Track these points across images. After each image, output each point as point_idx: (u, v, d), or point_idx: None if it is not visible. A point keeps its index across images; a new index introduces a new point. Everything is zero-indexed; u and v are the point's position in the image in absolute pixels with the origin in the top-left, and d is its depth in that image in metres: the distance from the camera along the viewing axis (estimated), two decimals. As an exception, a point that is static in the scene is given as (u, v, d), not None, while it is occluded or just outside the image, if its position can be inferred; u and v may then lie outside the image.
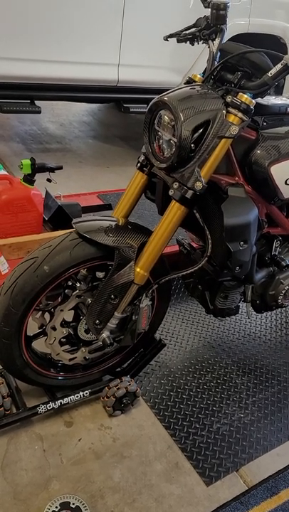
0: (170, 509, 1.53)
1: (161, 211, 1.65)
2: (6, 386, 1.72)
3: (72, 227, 1.58)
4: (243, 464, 1.71)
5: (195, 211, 1.56)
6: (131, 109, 3.60)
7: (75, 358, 1.76)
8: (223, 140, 1.42)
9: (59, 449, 1.65)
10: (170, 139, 1.46)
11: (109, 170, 3.78)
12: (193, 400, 1.92)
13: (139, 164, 1.65)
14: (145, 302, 1.63)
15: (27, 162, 2.40)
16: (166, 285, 1.76)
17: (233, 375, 2.08)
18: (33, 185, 2.43)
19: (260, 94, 1.44)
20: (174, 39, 1.71)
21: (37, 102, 3.31)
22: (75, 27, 3.16)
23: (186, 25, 1.70)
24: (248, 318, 2.43)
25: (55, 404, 1.71)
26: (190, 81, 1.60)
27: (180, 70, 3.65)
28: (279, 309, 2.54)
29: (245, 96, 1.40)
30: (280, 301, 1.90)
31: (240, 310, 1.90)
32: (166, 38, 1.74)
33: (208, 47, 1.61)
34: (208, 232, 1.56)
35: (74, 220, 1.61)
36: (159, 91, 1.54)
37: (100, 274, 1.66)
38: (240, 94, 1.41)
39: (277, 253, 1.85)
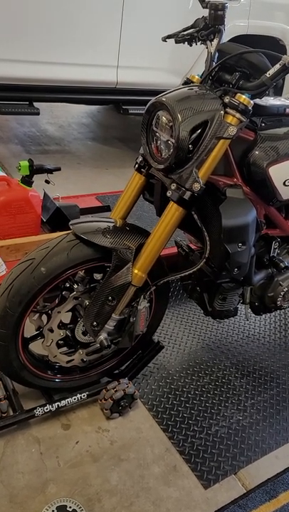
0: (168, 512, 1.52)
1: (159, 212, 1.64)
2: (3, 388, 1.71)
3: (70, 229, 1.58)
4: (241, 466, 1.70)
5: (193, 212, 1.55)
6: (130, 111, 3.60)
7: (73, 360, 1.75)
8: (221, 141, 1.42)
9: (56, 452, 1.64)
10: (168, 140, 1.45)
11: (108, 172, 3.78)
12: (192, 403, 1.91)
13: (137, 165, 1.64)
14: (143, 304, 1.62)
15: (25, 163, 2.40)
16: (165, 287, 1.75)
17: (231, 378, 2.07)
18: (31, 186, 2.43)
19: (258, 94, 1.43)
20: (173, 40, 1.71)
21: (36, 104, 3.31)
22: (74, 29, 3.16)
23: (186, 26, 1.69)
24: (247, 320, 2.43)
25: (52, 407, 1.70)
26: (188, 82, 1.59)
27: (179, 72, 3.65)
28: (278, 311, 2.53)
29: (244, 97, 1.39)
30: (278, 302, 1.90)
31: (238, 312, 1.89)
32: (164, 39, 1.73)
33: (207, 47, 1.61)
34: (206, 234, 1.55)
35: (71, 222, 1.60)
36: (158, 93, 1.53)
37: (97, 276, 1.65)
38: (239, 94, 1.40)
39: (275, 255, 1.84)
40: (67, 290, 1.66)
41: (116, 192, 3.17)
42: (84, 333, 1.74)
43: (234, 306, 1.83)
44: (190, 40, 1.66)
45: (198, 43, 1.65)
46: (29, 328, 1.65)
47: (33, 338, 1.70)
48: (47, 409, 1.69)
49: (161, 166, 1.49)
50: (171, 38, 1.70)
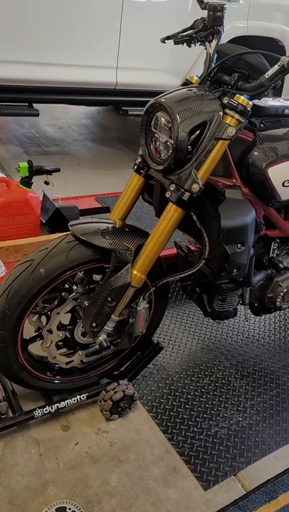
0: (167, 514, 1.52)
1: (159, 213, 1.64)
2: (2, 390, 1.71)
3: (69, 230, 1.57)
4: (241, 467, 1.70)
5: (192, 213, 1.55)
6: (129, 112, 3.60)
7: (72, 361, 1.75)
8: (220, 142, 1.42)
9: (56, 454, 1.64)
10: (167, 141, 1.45)
11: (107, 173, 3.78)
12: (191, 404, 1.91)
13: (136, 166, 1.64)
14: (142, 305, 1.62)
15: (24, 165, 2.40)
16: (164, 288, 1.75)
17: (231, 378, 2.06)
18: (30, 187, 2.43)
19: (257, 95, 1.43)
20: (172, 41, 1.71)
21: (35, 105, 3.31)
22: (74, 30, 3.16)
23: (185, 27, 1.69)
24: (246, 320, 2.43)
25: (51, 408, 1.69)
26: (187, 83, 1.59)
27: (178, 73, 3.65)
28: (277, 312, 2.53)
29: (242, 97, 1.39)
30: (278, 303, 1.89)
31: (238, 313, 1.89)
32: (163, 40, 1.73)
33: (205, 48, 1.61)
34: (205, 235, 1.55)
35: (70, 223, 1.60)
36: (157, 94, 1.53)
37: (96, 277, 1.65)
38: (237, 95, 1.40)
39: (275, 255, 1.84)
40: (67, 291, 1.66)
41: (115, 193, 3.17)
42: (83, 335, 1.74)
43: (233, 307, 1.83)
44: (189, 41, 1.66)
45: (197, 44, 1.65)
46: (28, 330, 1.65)
47: (33, 339, 1.70)
48: (46, 410, 1.68)
49: (160, 167, 1.49)
50: (170, 39, 1.70)
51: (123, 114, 3.61)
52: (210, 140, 1.41)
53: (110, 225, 1.61)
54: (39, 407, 1.68)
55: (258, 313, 1.97)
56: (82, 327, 1.70)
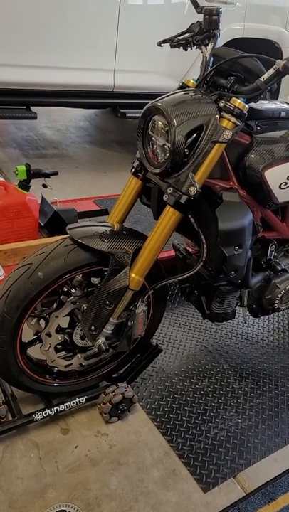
0: (167, 516, 1.52)
1: (157, 216, 1.64)
2: (2, 393, 1.72)
3: (67, 233, 1.58)
4: (240, 469, 1.70)
5: (190, 216, 1.55)
6: (127, 115, 3.61)
7: (71, 364, 1.75)
8: (217, 145, 1.42)
9: (55, 457, 1.64)
10: (164, 144, 1.46)
11: (105, 175, 3.79)
12: (191, 406, 1.91)
13: (133, 169, 1.65)
14: (141, 308, 1.62)
15: (22, 168, 2.40)
16: (162, 290, 1.76)
17: (230, 380, 2.07)
18: (28, 191, 2.43)
19: (253, 98, 1.44)
20: (169, 44, 1.71)
21: (33, 108, 3.32)
22: (71, 33, 3.17)
23: (181, 30, 1.70)
24: (245, 322, 2.43)
25: (51, 411, 1.70)
26: (183, 86, 1.60)
27: (176, 75, 3.66)
28: (276, 313, 2.53)
29: (239, 101, 1.40)
30: (276, 305, 1.90)
31: (236, 315, 1.90)
32: (159, 44, 1.74)
33: (202, 52, 1.62)
34: (203, 237, 1.56)
35: (68, 226, 1.60)
36: (154, 96, 1.54)
37: (95, 280, 1.65)
38: (234, 99, 1.41)
39: (272, 257, 1.84)
40: (65, 294, 1.66)
41: (114, 195, 3.17)
42: (82, 338, 1.74)
43: (232, 308, 1.84)
44: (185, 44, 1.67)
45: (194, 48, 1.66)
46: (27, 333, 1.65)
47: (31, 342, 1.70)
48: (46, 413, 1.69)
49: (158, 170, 1.49)
50: (166, 43, 1.71)
51: (121, 116, 3.62)
52: (207, 143, 1.42)
53: (108, 228, 1.61)
54: (38, 411, 1.68)
55: (257, 315, 1.97)
56: (81, 330, 1.71)
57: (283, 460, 1.76)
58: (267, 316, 2.50)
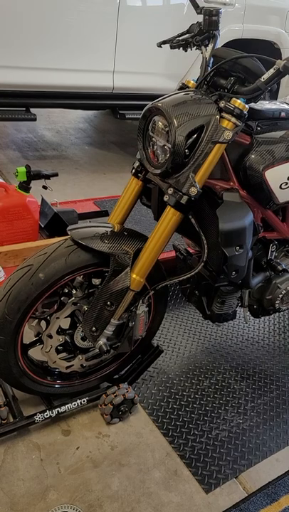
0: (169, 517, 1.52)
1: (157, 217, 1.65)
2: (3, 395, 1.71)
3: (68, 234, 1.58)
4: (242, 470, 1.70)
5: (190, 216, 1.55)
6: (126, 116, 3.61)
7: (72, 365, 1.75)
8: (217, 145, 1.42)
9: (56, 458, 1.64)
10: (164, 145, 1.46)
11: (105, 176, 3.79)
12: (192, 407, 1.91)
13: (134, 170, 1.65)
14: (142, 308, 1.62)
15: (22, 169, 2.40)
16: (163, 291, 1.76)
17: (231, 381, 2.07)
18: (28, 192, 2.43)
19: (253, 99, 1.44)
20: (168, 45, 1.72)
21: (32, 110, 3.32)
22: (70, 34, 3.18)
23: (181, 31, 1.70)
24: (246, 323, 2.43)
25: (52, 413, 1.70)
26: (183, 87, 1.60)
27: (175, 76, 3.67)
28: (277, 314, 2.53)
29: (239, 101, 1.40)
30: (277, 305, 1.90)
31: (237, 315, 1.90)
32: (159, 45, 1.74)
33: (201, 53, 1.62)
34: (203, 238, 1.56)
35: (69, 227, 1.60)
36: (154, 97, 1.54)
37: (96, 281, 1.65)
38: (234, 99, 1.41)
39: (273, 257, 1.84)
40: (66, 296, 1.66)
41: (114, 197, 3.18)
42: (83, 339, 1.74)
43: (233, 309, 1.84)
44: (185, 45, 1.67)
45: (193, 49, 1.66)
46: (28, 335, 1.65)
47: (32, 344, 1.70)
48: (47, 415, 1.68)
49: (158, 171, 1.49)
50: (166, 44, 1.71)
51: (120, 117, 3.62)
52: (207, 144, 1.42)
53: (109, 229, 1.61)
54: (40, 412, 1.68)
55: (257, 316, 1.97)
56: (82, 331, 1.70)
57: (285, 460, 1.76)
58: (268, 317, 2.50)
